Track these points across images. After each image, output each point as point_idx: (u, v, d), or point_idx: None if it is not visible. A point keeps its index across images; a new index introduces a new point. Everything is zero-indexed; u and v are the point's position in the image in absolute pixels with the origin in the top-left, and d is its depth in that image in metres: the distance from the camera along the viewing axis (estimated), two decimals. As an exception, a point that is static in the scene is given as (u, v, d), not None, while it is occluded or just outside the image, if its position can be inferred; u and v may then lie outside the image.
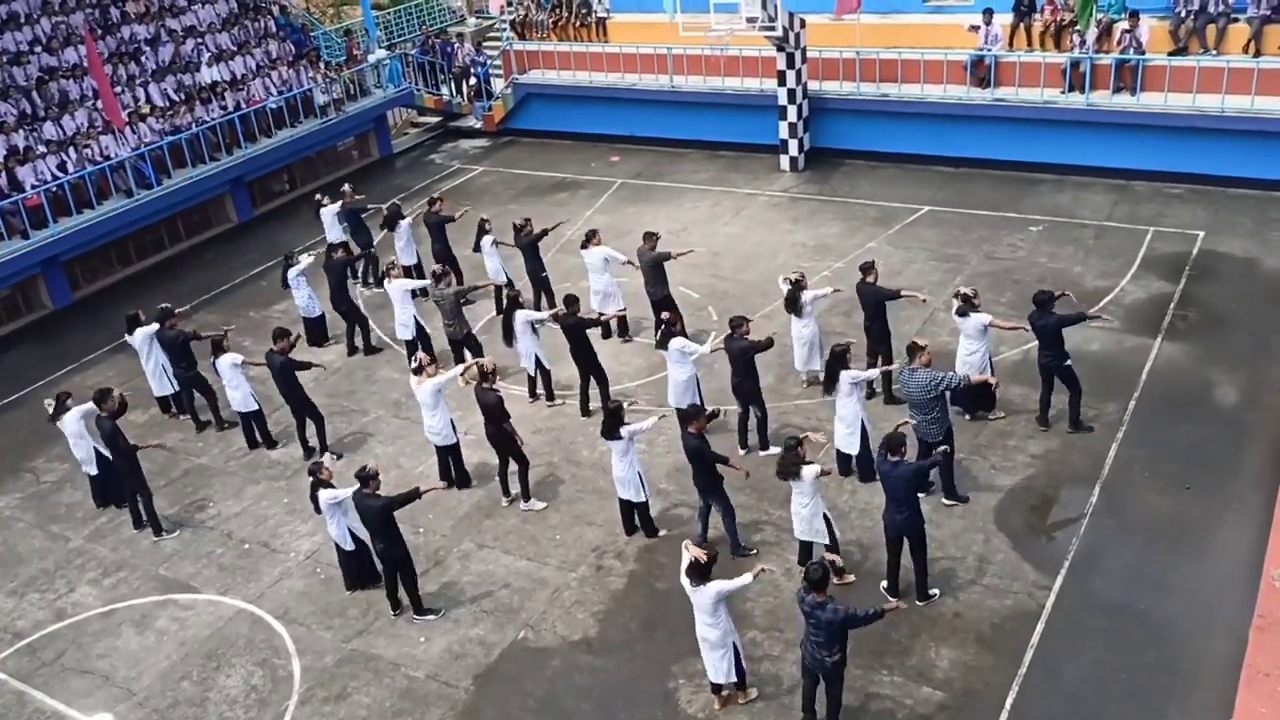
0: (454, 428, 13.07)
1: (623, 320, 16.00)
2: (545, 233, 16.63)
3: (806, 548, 11.13)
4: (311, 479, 11.40)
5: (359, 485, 10.91)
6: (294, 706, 10.42)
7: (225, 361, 14.07)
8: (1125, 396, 13.57)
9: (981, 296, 13.31)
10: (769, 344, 12.86)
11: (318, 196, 19.58)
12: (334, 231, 18.77)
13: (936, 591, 10.76)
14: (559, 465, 13.54)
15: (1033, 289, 16.19)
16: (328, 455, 13.63)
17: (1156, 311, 15.50)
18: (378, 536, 10.98)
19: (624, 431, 11.49)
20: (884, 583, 10.85)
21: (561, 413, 14.65)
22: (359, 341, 16.78)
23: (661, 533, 12.11)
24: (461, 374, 13.15)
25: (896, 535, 10.56)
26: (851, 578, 10.97)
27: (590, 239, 15.73)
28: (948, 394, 11.55)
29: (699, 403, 13.21)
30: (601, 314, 15.30)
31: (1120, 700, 9.47)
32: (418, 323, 15.74)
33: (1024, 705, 9.54)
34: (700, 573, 9.23)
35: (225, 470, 14.33)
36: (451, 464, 13.24)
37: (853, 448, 12.23)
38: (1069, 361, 12.73)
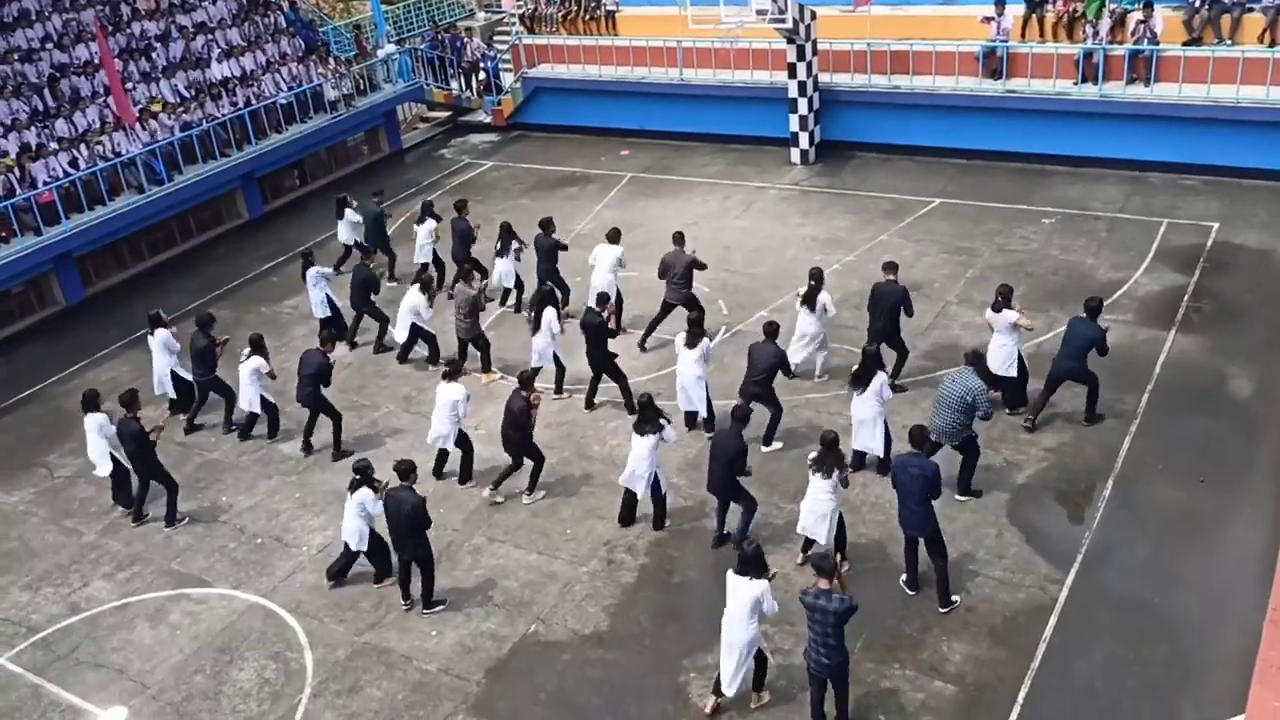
0: (460, 436, 13.11)
1: (618, 314, 16.05)
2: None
3: (809, 545, 11.12)
4: (359, 477, 11.31)
5: (399, 479, 10.94)
6: (306, 699, 10.46)
7: (249, 366, 14.19)
8: (1139, 389, 13.50)
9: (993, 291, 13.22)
10: (790, 371, 12.99)
11: (341, 195, 19.52)
12: (346, 234, 18.80)
13: (958, 599, 10.60)
14: (570, 460, 13.54)
15: (1046, 282, 16.32)
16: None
17: (1170, 304, 15.41)
18: (408, 532, 10.94)
19: (666, 433, 11.59)
20: (903, 576, 10.82)
21: (572, 407, 14.65)
22: (365, 338, 16.79)
23: (668, 523, 12.13)
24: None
25: (913, 535, 10.52)
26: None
27: (616, 238, 15.82)
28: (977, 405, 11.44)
29: (708, 400, 13.21)
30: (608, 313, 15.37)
31: (1133, 694, 9.44)
32: (414, 324, 15.72)
33: (1036, 699, 9.51)
34: (758, 565, 9.03)
35: (238, 465, 14.38)
36: (461, 459, 13.28)
37: (874, 446, 12.19)
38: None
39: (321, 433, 14.33)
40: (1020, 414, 13.18)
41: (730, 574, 9.23)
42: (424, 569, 11.21)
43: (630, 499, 12.09)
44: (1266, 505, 11.34)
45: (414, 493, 10.90)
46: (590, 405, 14.45)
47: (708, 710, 9.68)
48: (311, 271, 16.67)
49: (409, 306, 15.56)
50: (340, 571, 11.84)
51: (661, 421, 11.61)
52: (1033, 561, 11.05)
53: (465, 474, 13.31)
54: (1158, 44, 19.14)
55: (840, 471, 10.54)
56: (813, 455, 10.71)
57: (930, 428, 11.25)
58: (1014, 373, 12.95)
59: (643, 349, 15.52)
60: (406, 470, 10.97)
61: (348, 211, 18.85)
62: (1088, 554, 11.04)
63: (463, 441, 13.16)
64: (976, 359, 11.70)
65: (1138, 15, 19.36)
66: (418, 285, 15.73)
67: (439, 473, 13.36)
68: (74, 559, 12.95)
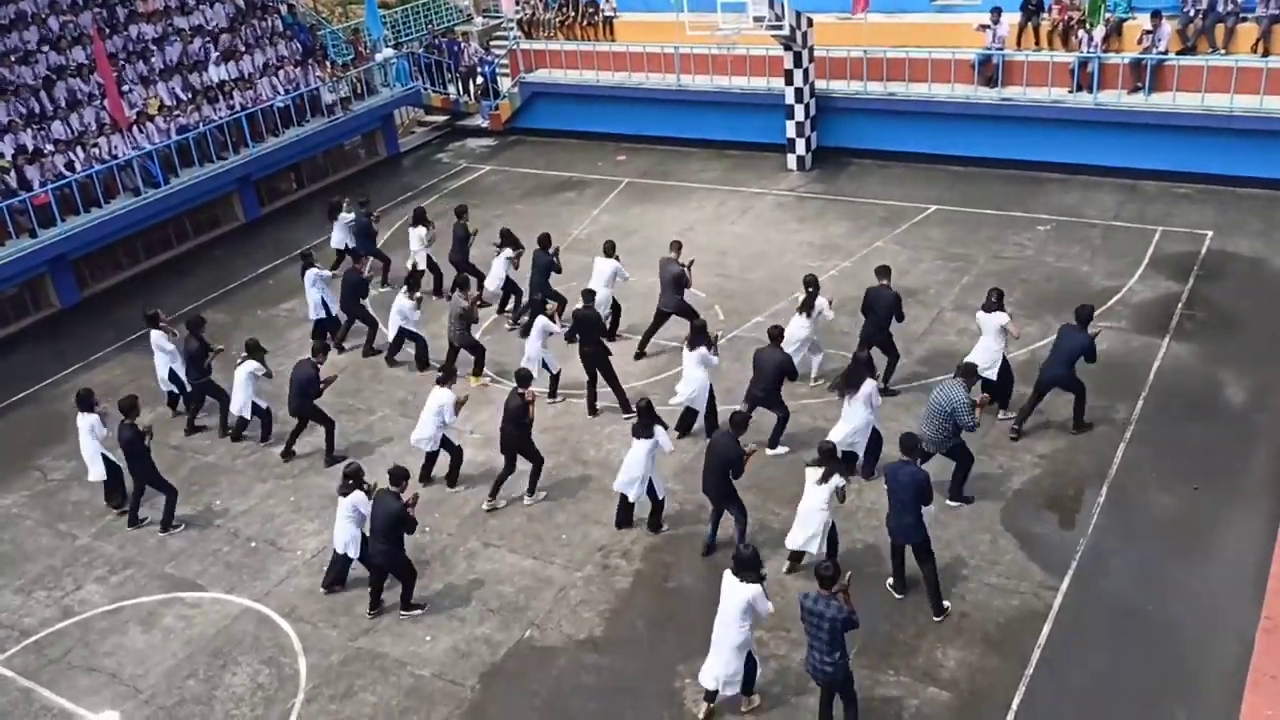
0: (443, 440, 13.12)
1: (614, 322, 16.06)
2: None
3: (798, 557, 11.14)
4: (351, 480, 11.27)
5: (391, 483, 10.96)
6: (300, 704, 10.43)
7: (244, 369, 14.21)
8: (1133, 396, 13.53)
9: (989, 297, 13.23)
10: (796, 374, 12.90)
11: (335, 198, 19.51)
12: (340, 238, 18.79)
13: (949, 605, 10.62)
14: (566, 464, 13.53)
15: (1040, 288, 16.34)
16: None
17: (1164, 311, 15.45)
18: (384, 537, 10.96)
19: (661, 440, 11.57)
20: (889, 580, 10.84)
21: (568, 411, 14.65)
22: (373, 341, 16.81)
23: (664, 529, 12.13)
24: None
25: (901, 543, 10.54)
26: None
27: (612, 250, 15.78)
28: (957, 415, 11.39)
29: (711, 402, 13.22)
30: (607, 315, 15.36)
31: (1127, 702, 9.44)
32: (401, 327, 15.79)
33: (1030, 706, 9.52)
34: (754, 568, 9.07)
35: (232, 469, 14.35)
36: (450, 464, 13.30)
37: (860, 448, 12.20)
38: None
39: (312, 437, 14.28)
40: (1010, 417, 13.21)
41: (727, 574, 9.29)
42: (401, 576, 11.24)
43: (625, 502, 12.10)
44: (1260, 513, 11.36)
45: (399, 499, 10.89)
46: (593, 411, 14.43)
47: (701, 715, 9.67)
48: (310, 273, 16.69)
49: (396, 309, 15.76)
50: (337, 580, 11.80)
51: (657, 428, 11.62)
52: (1027, 568, 11.06)
53: (452, 478, 13.33)
54: (1165, 53, 19.14)
55: (838, 482, 10.52)
56: (813, 458, 10.75)
57: (920, 436, 11.26)
58: (993, 376, 12.95)
59: (638, 357, 15.49)
60: (399, 476, 11.00)
61: (341, 215, 18.87)
62: (1082, 561, 11.06)
63: (449, 446, 13.19)
64: (967, 373, 11.65)
65: (1145, 26, 19.32)
66: (405, 289, 15.83)
67: (426, 477, 13.33)
68: (67, 562, 12.91)
